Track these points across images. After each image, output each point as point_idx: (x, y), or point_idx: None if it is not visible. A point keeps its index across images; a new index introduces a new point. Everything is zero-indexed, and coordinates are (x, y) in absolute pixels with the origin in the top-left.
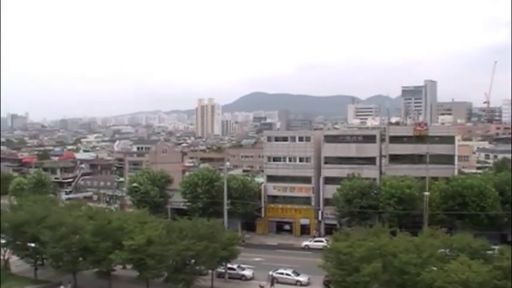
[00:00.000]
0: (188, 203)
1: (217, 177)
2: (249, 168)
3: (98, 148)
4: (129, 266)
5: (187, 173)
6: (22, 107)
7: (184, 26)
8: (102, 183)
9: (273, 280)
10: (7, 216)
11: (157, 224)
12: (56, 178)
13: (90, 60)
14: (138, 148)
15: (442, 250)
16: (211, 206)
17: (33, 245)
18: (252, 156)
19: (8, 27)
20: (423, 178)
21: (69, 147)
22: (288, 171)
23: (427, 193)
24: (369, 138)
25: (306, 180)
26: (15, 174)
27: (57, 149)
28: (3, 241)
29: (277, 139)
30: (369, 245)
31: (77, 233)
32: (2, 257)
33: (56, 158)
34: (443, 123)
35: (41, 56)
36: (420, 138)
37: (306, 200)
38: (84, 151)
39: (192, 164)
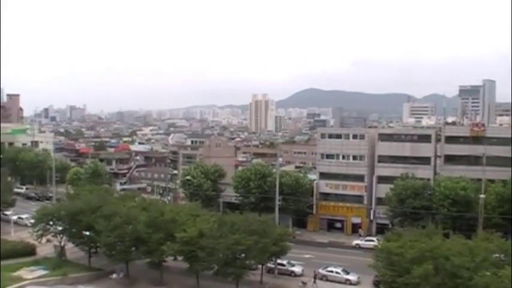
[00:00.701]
0: (240, 198)
1: (270, 173)
2: (301, 165)
3: (152, 141)
4: (180, 258)
5: (240, 168)
6: (80, 99)
7: (241, 21)
8: (156, 175)
9: (316, 276)
10: (64, 205)
11: (209, 217)
12: (111, 169)
13: (147, 54)
14: (192, 142)
15: (497, 255)
16: (263, 201)
17: (88, 233)
18: (304, 153)
19: (66, 22)
20: (479, 180)
21: (125, 139)
22: (341, 169)
23: (482, 196)
24: (424, 138)
25: (359, 178)
26: (73, 164)
27: (113, 140)
28: (60, 228)
29: (330, 136)
30: (420, 247)
31: (130, 224)
32: (58, 244)
33: (112, 150)
34: (501, 125)
35: (100, 50)
36: (477, 139)
37: (358, 199)
38: (139, 143)
39: (244, 159)
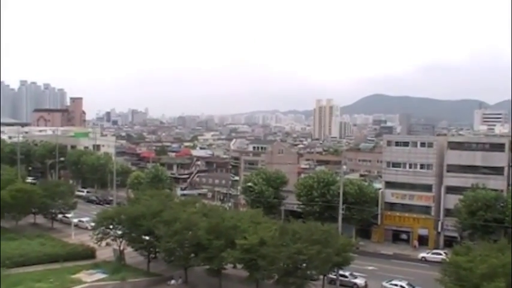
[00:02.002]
0: (302, 206)
1: (333, 181)
2: (366, 173)
3: (214, 146)
4: (239, 266)
5: (302, 175)
6: (143, 103)
7: (305, 25)
8: (217, 181)
9: None
10: (125, 209)
11: (271, 225)
12: (172, 174)
13: (210, 58)
14: (254, 148)
15: None
16: (326, 210)
17: (147, 238)
18: (370, 161)
19: (130, 24)
20: None
21: (186, 144)
22: (407, 178)
23: None
24: (497, 147)
25: (427, 188)
26: (134, 168)
27: (174, 145)
28: (119, 232)
29: (397, 144)
30: (492, 262)
31: (190, 229)
32: (118, 248)
33: (173, 154)
34: None
35: (161, 54)
36: None
37: (426, 209)
38: (201, 148)
39: (307, 166)
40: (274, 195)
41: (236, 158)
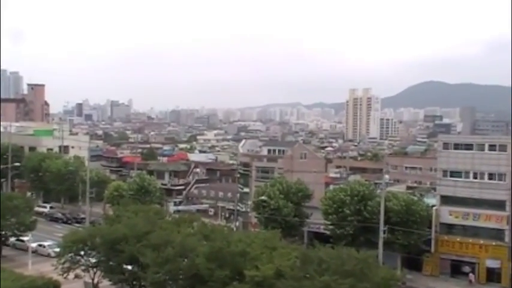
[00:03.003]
0: (331, 226)
1: (372, 195)
2: (415, 185)
3: (217, 148)
4: None
5: (331, 187)
6: (125, 94)
7: None
8: (221, 194)
9: None
10: (100, 230)
11: (290, 251)
12: (163, 184)
13: (212, 38)
14: (269, 151)
15: None
16: (362, 232)
17: (130, 267)
18: (420, 168)
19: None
20: None
21: (182, 145)
22: (471, 192)
23: None
24: None
25: (498, 205)
26: (113, 176)
27: (166, 147)
28: (93, 260)
29: (457, 146)
30: None
31: (186, 256)
32: (90, 281)
33: (165, 159)
34: None
35: (150, 28)
36: None
37: (496, 234)
38: (201, 152)
39: (338, 175)
40: (294, 213)
41: (246, 165)
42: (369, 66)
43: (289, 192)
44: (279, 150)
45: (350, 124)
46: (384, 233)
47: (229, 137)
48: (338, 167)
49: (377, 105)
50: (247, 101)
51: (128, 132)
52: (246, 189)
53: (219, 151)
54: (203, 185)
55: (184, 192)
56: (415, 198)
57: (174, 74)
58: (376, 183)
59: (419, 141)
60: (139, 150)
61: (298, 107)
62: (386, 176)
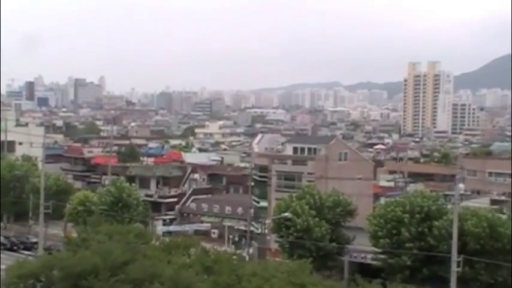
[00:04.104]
0: (382, 255)
1: (441, 212)
2: (503, 198)
3: (223, 146)
4: None
5: (383, 200)
6: (94, 70)
7: None
8: (228, 209)
9: None
10: (60, 259)
11: None
12: (148, 196)
13: None
14: (295, 150)
15: None
16: (426, 264)
17: None
18: (510, 175)
19: None
20: None
21: (174, 142)
22: None
23: None
24: None
25: None
26: (78, 184)
27: (152, 144)
28: None
29: None
30: None
31: None
32: None
33: (150, 161)
34: None
35: None
36: None
37: None
38: (200, 150)
39: (392, 184)
40: (330, 236)
41: (263, 169)
42: (437, 31)
43: (323, 207)
44: (309, 149)
45: (409, 112)
46: (458, 265)
47: (239, 130)
48: (392, 172)
49: (448, 85)
50: (265, 81)
51: (98, 122)
52: (262, 203)
53: (225, 150)
54: (204, 196)
55: (177, 207)
56: (503, 217)
57: (165, 42)
58: (446, 196)
59: (509, 137)
60: (115, 147)
61: (335, 88)
62: (462, 186)
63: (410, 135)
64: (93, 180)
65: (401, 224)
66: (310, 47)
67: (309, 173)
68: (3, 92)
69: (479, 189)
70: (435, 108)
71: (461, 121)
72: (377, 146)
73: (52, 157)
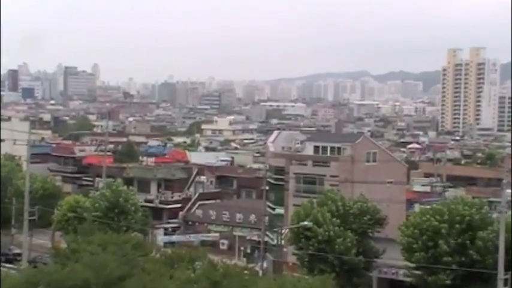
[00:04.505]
0: (416, 271)
1: (485, 222)
2: None
3: (234, 145)
4: None
5: (417, 207)
6: (87, 56)
7: None
8: (239, 217)
9: None
10: (47, 273)
11: None
12: (148, 201)
13: None
14: (316, 149)
15: None
16: (468, 281)
17: None
18: None
19: None
20: None
21: (178, 139)
22: None
23: None
24: None
25: None
26: (68, 188)
27: (153, 142)
28: None
29: None
30: None
31: None
32: None
33: (151, 161)
34: None
35: None
36: None
37: None
38: (208, 149)
39: (428, 189)
40: (357, 248)
41: (279, 170)
42: (481, 13)
43: (348, 215)
44: (332, 148)
45: (449, 106)
46: (505, 283)
47: (252, 126)
48: (428, 175)
49: (494, 75)
50: (282, 70)
51: (91, 117)
52: (278, 210)
53: (236, 148)
54: (211, 202)
55: (181, 214)
56: None
57: (168, 25)
58: (491, 203)
59: None
60: (111, 146)
61: (363, 78)
62: (509, 191)
63: (449, 132)
64: (85, 182)
65: (438, 235)
66: (334, 31)
67: (331, 176)
68: None
69: None
70: (479, 101)
71: (508, 116)
72: (411, 145)
73: (38, 156)
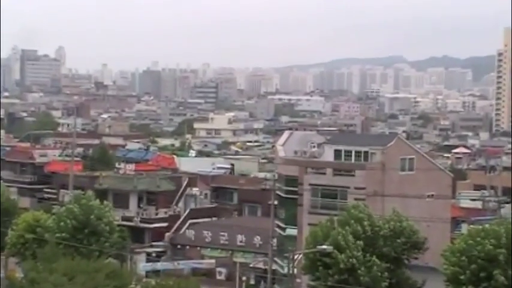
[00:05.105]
0: None
1: None
2: None
3: (235, 148)
4: None
5: (465, 227)
6: (50, 37)
7: None
8: (241, 239)
9: None
10: None
11: None
12: (126, 219)
13: None
14: (337, 153)
15: None
16: None
17: None
18: None
19: None
20: None
21: (164, 141)
22: None
23: None
24: None
25: None
26: (25, 202)
27: (132, 144)
28: None
29: None
30: None
31: None
32: None
33: (130, 168)
34: None
35: None
36: None
37: None
38: (201, 154)
39: (479, 205)
40: (389, 278)
41: (291, 180)
42: None
43: (377, 238)
44: (358, 153)
45: (505, 100)
46: None
47: (257, 125)
48: (479, 187)
49: None
50: (296, 55)
51: (55, 113)
52: (290, 230)
53: (237, 153)
54: (206, 220)
55: (167, 235)
56: None
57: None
58: None
59: None
60: (80, 150)
61: (397, 65)
62: None
63: (506, 133)
64: (47, 196)
65: (493, 263)
66: (359, 8)
67: (356, 188)
68: None
69: None
70: None
71: None
72: (457, 150)
73: None
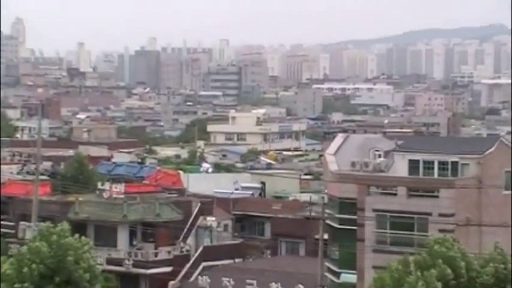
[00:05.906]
0: None
1: None
2: None
3: (265, 159)
4: None
5: None
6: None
7: None
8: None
9: None
10: None
11: None
12: (113, 262)
13: None
14: (413, 165)
15: None
16: None
17: None
18: None
19: None
20: None
21: (166, 150)
22: None
23: None
24: None
25: None
26: None
27: (120, 156)
28: None
29: None
30: None
31: None
32: None
33: (118, 190)
34: None
35: None
36: None
37: None
38: (218, 168)
39: None
40: None
41: (347, 203)
42: None
43: (473, 283)
44: (443, 165)
45: None
46: None
47: (298, 126)
48: None
49: None
50: (351, 28)
51: (12, 113)
52: (346, 276)
53: (269, 166)
54: (225, 262)
55: (172, 284)
56: None
57: None
58: None
59: None
60: (47, 164)
61: (497, 37)
62: None
63: None
64: (2, 230)
65: None
66: None
67: (442, 215)
68: None
69: None
70: None
71: None
72: None
73: None
